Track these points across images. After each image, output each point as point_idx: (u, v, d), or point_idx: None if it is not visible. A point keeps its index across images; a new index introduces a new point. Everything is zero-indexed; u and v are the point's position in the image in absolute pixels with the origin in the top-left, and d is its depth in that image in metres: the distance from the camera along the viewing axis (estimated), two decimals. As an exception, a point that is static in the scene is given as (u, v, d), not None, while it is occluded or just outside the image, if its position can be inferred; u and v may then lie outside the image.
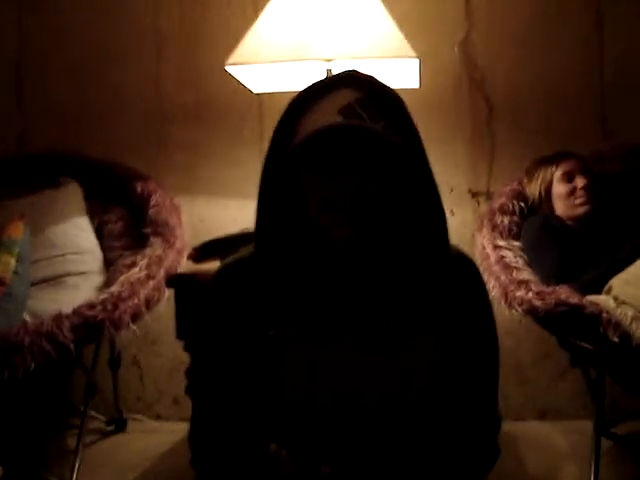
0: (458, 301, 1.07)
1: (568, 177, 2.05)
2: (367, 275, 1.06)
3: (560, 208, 2.06)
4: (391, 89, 1.05)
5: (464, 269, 1.10)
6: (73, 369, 2.28)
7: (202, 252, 1.92)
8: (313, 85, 1.05)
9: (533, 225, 2.05)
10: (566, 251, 1.94)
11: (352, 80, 1.03)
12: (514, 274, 1.85)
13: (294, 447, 1.05)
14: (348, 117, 0.99)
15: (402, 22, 1.93)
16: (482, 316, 1.10)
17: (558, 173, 2.06)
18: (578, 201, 2.03)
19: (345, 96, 1.01)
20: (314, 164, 1.00)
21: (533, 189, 2.10)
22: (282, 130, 1.03)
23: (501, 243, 2.01)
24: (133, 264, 2.00)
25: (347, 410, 1.04)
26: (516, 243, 2.03)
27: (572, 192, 2.04)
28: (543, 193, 2.08)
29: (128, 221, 2.21)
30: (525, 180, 2.14)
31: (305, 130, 0.99)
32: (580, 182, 2.03)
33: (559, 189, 2.06)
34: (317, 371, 1.04)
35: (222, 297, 1.08)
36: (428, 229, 1.06)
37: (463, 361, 1.07)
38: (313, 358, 1.04)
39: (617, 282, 1.75)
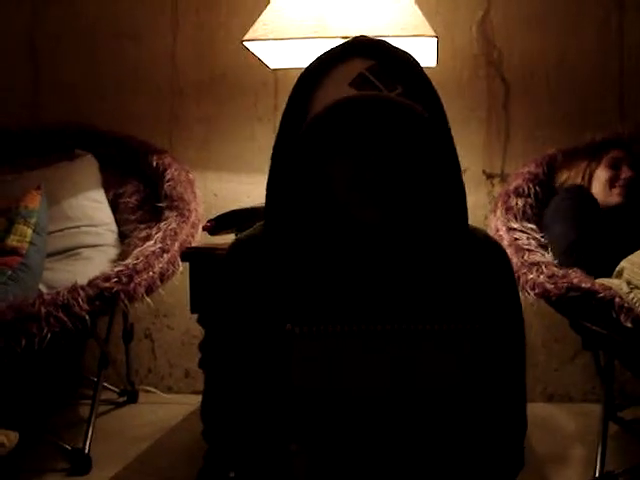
0: (486, 291, 1.02)
1: (614, 163, 2.04)
2: (390, 263, 1.00)
3: (596, 188, 2.04)
4: (404, 52, 0.98)
5: (492, 254, 1.05)
6: (87, 341, 2.31)
7: (218, 223, 1.91)
8: (321, 57, 0.98)
9: (570, 192, 2.05)
10: (592, 224, 1.95)
11: (362, 48, 0.96)
12: (526, 256, 1.85)
13: (310, 443, 1.02)
14: (361, 88, 0.92)
15: (420, 1, 1.92)
16: (510, 307, 1.05)
17: (606, 157, 2.04)
18: (616, 190, 2.02)
19: (356, 66, 0.94)
20: (332, 144, 0.95)
21: (574, 175, 2.08)
22: (293, 108, 0.97)
23: (515, 225, 2.00)
24: (148, 237, 2.00)
25: (364, 409, 1.00)
26: (530, 225, 2.02)
27: (613, 179, 2.02)
28: (586, 179, 2.06)
29: (143, 194, 2.22)
30: (564, 168, 2.11)
31: (316, 108, 0.94)
32: (625, 173, 2.02)
33: (602, 173, 2.04)
34: (331, 368, 0.99)
35: (234, 274, 1.06)
36: (448, 205, 0.99)
37: (490, 357, 1.02)
38: (327, 354, 0.99)
39: (628, 265, 1.74)
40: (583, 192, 2.05)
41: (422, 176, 0.98)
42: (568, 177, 2.10)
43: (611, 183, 2.03)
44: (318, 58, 0.99)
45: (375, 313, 1.00)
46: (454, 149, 0.99)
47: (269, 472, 1.03)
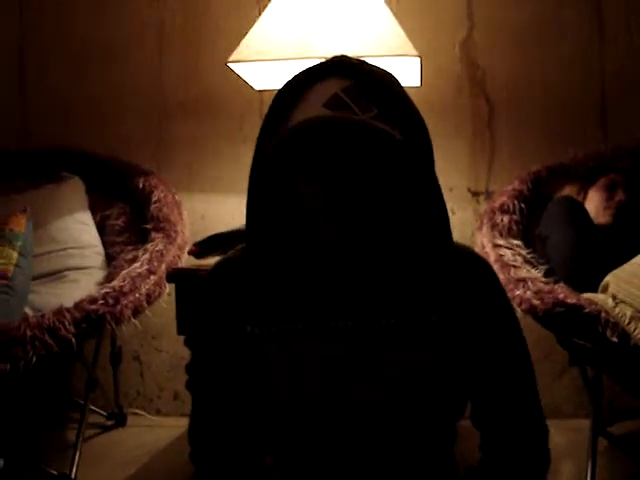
0: (475, 301, 1.01)
1: (610, 185, 2.05)
2: (363, 273, 1.01)
3: (588, 208, 2.05)
4: (384, 73, 0.96)
5: (478, 268, 1.04)
6: (74, 363, 2.29)
7: (204, 247, 1.92)
8: (298, 76, 0.97)
9: (565, 200, 2.07)
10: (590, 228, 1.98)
11: (339, 68, 0.94)
12: (512, 272, 1.85)
13: (288, 456, 1.02)
14: (335, 110, 0.90)
15: (403, 21, 1.94)
16: (504, 315, 1.05)
17: (603, 179, 2.07)
18: (607, 212, 2.03)
19: (332, 86, 0.92)
20: (299, 168, 0.94)
21: (571, 192, 2.12)
22: (268, 128, 0.96)
23: (500, 242, 2.01)
24: (134, 259, 2.00)
25: (338, 412, 0.99)
26: (515, 242, 2.03)
27: (606, 201, 2.04)
28: (581, 197, 2.10)
29: (130, 216, 2.21)
30: (567, 185, 2.15)
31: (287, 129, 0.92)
32: (619, 196, 2.04)
33: (596, 194, 2.06)
34: (302, 369, 0.99)
35: (214, 296, 1.07)
36: (429, 223, 0.98)
37: (492, 366, 1.03)
38: (297, 355, 0.99)
39: (613, 279, 1.75)
40: (575, 201, 2.07)
41: (393, 197, 0.96)
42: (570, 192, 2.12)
43: (603, 204, 2.05)
44: (295, 77, 0.98)
45: (350, 313, 1.00)
46: (432, 169, 0.98)
47: None
